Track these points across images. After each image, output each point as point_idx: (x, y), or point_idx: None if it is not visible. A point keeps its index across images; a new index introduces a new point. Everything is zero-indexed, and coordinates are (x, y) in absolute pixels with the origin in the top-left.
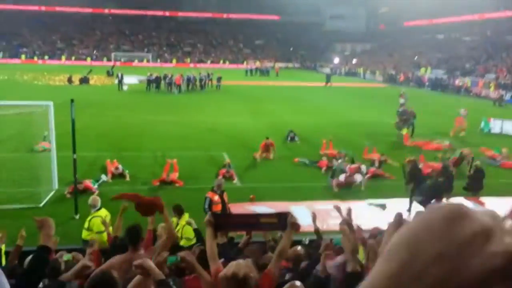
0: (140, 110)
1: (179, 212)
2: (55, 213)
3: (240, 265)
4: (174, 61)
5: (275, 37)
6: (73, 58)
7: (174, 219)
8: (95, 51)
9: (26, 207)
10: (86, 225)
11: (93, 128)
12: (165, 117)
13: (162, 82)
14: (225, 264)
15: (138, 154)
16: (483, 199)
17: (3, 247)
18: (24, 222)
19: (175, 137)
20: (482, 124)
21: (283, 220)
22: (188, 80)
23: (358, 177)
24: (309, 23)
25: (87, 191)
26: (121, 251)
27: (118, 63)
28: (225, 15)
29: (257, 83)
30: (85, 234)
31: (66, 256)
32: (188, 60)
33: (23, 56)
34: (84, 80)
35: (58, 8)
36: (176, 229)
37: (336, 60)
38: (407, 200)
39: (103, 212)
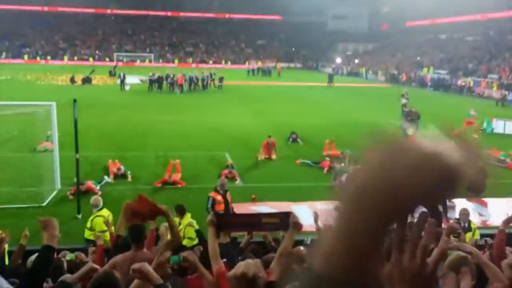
0: (142, 110)
1: (181, 212)
2: (58, 213)
3: (250, 265)
4: (176, 61)
5: (277, 37)
6: (75, 58)
7: (177, 219)
8: (97, 51)
9: (29, 207)
10: (88, 224)
11: (95, 128)
12: (167, 117)
13: (164, 82)
14: (227, 264)
15: (141, 154)
16: (486, 199)
17: (6, 247)
18: (27, 222)
19: (177, 137)
20: (485, 124)
21: (285, 220)
22: (190, 80)
23: None
24: (311, 23)
25: (89, 192)
26: (124, 250)
27: (120, 63)
28: (227, 15)
29: (259, 83)
30: (87, 234)
31: (69, 256)
32: (190, 60)
33: (26, 56)
34: (86, 80)
35: (60, 8)
36: (179, 229)
37: (338, 60)
38: None
39: (105, 212)
